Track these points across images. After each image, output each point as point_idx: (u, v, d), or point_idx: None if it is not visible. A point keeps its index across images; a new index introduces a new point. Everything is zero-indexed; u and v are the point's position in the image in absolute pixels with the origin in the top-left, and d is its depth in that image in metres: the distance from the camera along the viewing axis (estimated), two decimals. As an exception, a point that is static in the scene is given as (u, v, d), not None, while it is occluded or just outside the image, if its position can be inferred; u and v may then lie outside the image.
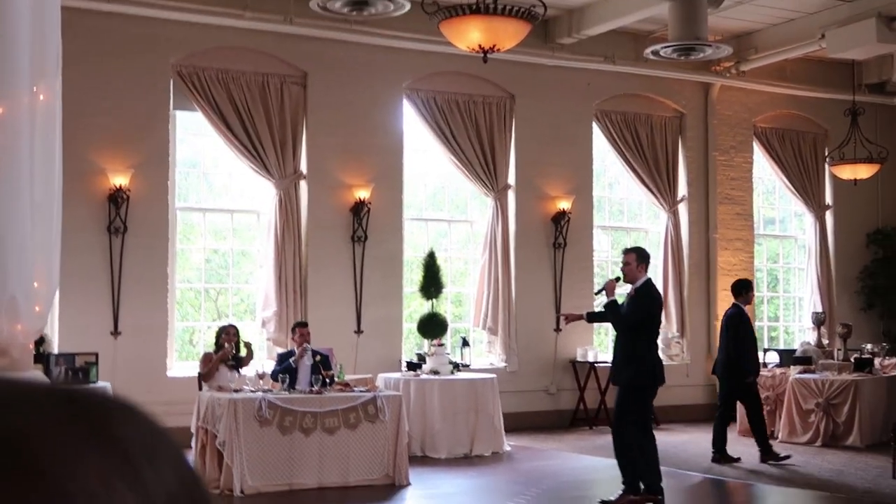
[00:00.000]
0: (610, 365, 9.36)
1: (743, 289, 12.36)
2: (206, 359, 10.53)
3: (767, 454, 11.77)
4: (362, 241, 13.95)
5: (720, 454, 11.73)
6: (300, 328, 11.07)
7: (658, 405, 15.26)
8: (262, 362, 12.08)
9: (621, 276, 9.19)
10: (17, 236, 5.75)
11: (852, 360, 13.75)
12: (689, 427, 15.09)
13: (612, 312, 9.10)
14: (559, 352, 15.16)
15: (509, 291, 14.85)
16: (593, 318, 10.22)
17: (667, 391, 15.65)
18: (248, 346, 10.96)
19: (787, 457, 11.74)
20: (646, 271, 9.09)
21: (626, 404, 9.04)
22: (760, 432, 11.94)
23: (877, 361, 14.17)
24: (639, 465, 9.00)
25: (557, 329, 15.01)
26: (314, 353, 10.92)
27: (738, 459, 11.66)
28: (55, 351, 11.37)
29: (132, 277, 12.63)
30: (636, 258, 9.08)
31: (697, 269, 16.60)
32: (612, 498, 9.16)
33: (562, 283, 15.20)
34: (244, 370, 10.57)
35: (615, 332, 9.31)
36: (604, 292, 9.23)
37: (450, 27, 9.77)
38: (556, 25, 14.92)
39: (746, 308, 12.33)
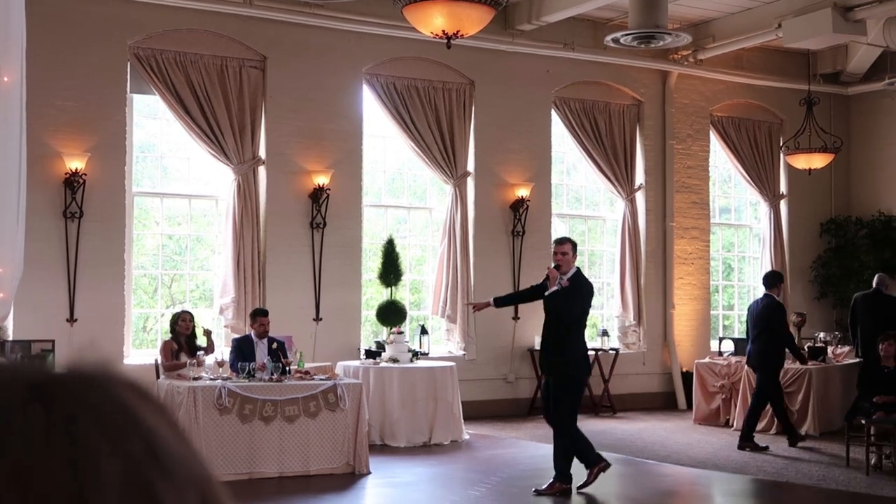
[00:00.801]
0: (543, 356, 9.30)
1: (777, 280, 12.67)
2: (167, 348, 10.43)
3: (794, 438, 12.22)
4: (321, 228, 13.92)
5: (748, 442, 11.89)
6: (260, 317, 11.01)
7: (615, 393, 15.57)
8: (221, 349, 12.04)
9: (557, 265, 9.22)
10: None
11: (806, 348, 13.95)
12: (646, 415, 15.25)
13: (554, 302, 9.11)
14: (517, 340, 15.24)
15: (468, 279, 14.89)
16: (501, 303, 10.29)
17: (623, 380, 15.95)
18: (207, 333, 10.91)
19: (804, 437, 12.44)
20: (573, 262, 9.25)
21: (575, 399, 9.26)
22: (786, 419, 12.45)
23: (830, 350, 14.38)
24: (563, 453, 9.20)
25: (515, 317, 15.07)
26: (271, 339, 10.90)
27: (766, 448, 11.91)
28: (10, 338, 11.25)
29: (88, 263, 12.53)
30: (572, 248, 9.25)
31: (654, 257, 16.73)
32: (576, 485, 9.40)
33: (520, 271, 15.27)
34: (206, 358, 10.50)
35: (550, 323, 9.20)
36: (548, 282, 9.25)
37: (413, 12, 9.76)
38: (516, 11, 14.96)
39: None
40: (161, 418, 0.72)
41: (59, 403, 0.68)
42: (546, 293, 9.21)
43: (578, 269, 9.30)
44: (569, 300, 9.06)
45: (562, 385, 9.17)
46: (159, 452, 0.69)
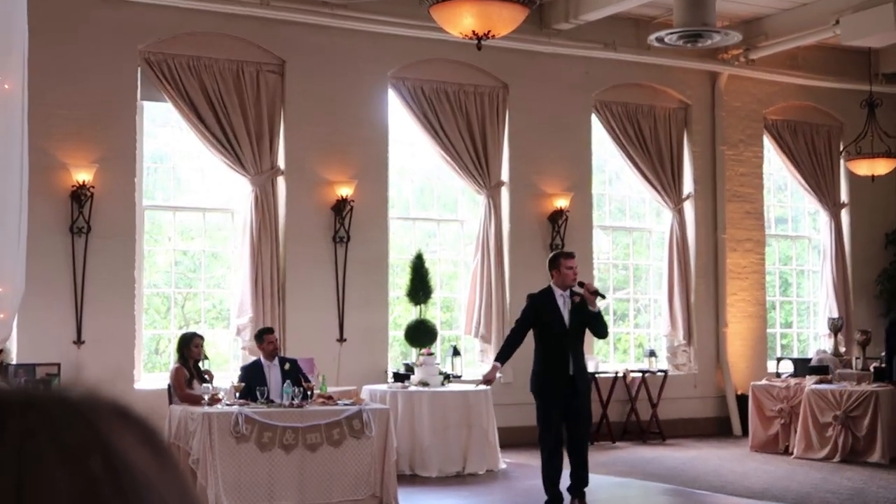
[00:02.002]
0: (560, 379, 9.38)
1: None
2: (179, 376, 10.37)
3: None
4: (344, 242, 13.92)
5: None
6: (266, 335, 10.98)
7: (663, 419, 15.46)
8: (238, 373, 12.01)
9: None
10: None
11: (872, 369, 13.78)
12: (697, 442, 15.12)
13: (598, 321, 9.56)
14: (557, 361, 15.15)
15: (503, 296, 14.84)
16: (503, 357, 10.10)
17: (673, 404, 15.83)
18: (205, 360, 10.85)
19: None
20: None
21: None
22: None
23: (898, 371, 14.19)
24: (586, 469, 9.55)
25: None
26: (282, 360, 10.86)
27: None
28: (14, 361, 11.29)
29: (97, 281, 12.57)
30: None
31: (705, 271, 16.62)
32: None
33: (559, 288, 15.19)
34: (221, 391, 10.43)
35: (574, 341, 9.43)
36: (572, 297, 9.49)
37: (441, 12, 9.74)
38: (552, 10, 14.93)
39: None
40: (142, 443, 0.77)
41: (22, 419, 0.74)
42: (570, 309, 9.37)
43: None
44: (600, 316, 9.63)
45: (586, 402, 9.62)
46: (122, 474, 0.74)
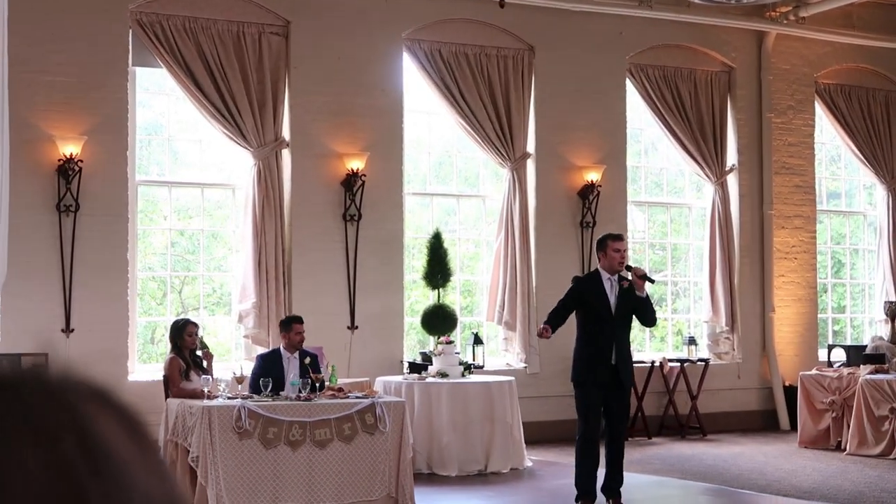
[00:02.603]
0: (603, 368, 9.49)
1: None
2: (175, 367, 10.37)
3: None
4: (355, 221, 13.92)
5: None
6: (296, 324, 10.94)
7: (704, 412, 15.45)
8: (241, 363, 12.06)
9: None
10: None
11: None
12: (741, 437, 15.11)
13: (646, 308, 9.67)
14: (587, 349, 15.15)
15: (529, 279, 14.82)
16: (552, 323, 9.88)
17: (714, 396, 15.82)
18: (205, 352, 10.84)
19: None
20: None
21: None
22: None
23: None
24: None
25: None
26: (302, 353, 10.87)
27: None
28: (-3, 351, 11.35)
29: (86, 264, 12.61)
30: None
31: (749, 250, 16.57)
32: None
33: (590, 269, 15.16)
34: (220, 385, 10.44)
35: (617, 332, 9.54)
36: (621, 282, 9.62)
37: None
38: (582, -36, 14.88)
39: None
40: (120, 427, 0.81)
41: None
42: (643, 295, 9.53)
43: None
44: (649, 300, 9.69)
45: (626, 395, 9.79)
46: (98, 456, 0.77)
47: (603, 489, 9.67)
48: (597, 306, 9.51)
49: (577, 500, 9.66)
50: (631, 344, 9.78)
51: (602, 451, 9.70)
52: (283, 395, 10.01)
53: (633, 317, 9.71)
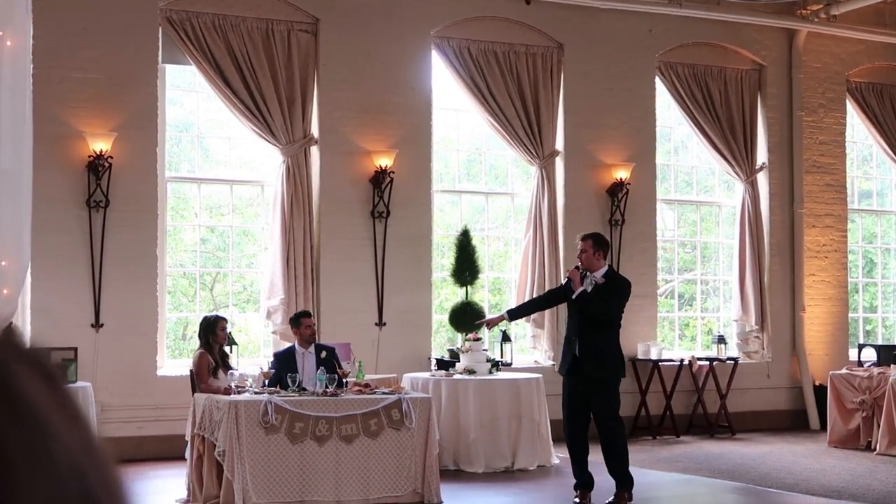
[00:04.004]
0: (570, 359, 9.87)
1: None
2: (203, 363, 10.38)
3: None
4: (384, 218, 13.92)
5: None
6: (304, 319, 10.98)
7: (733, 411, 15.37)
8: (269, 359, 12.07)
9: (579, 264, 9.91)
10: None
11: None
12: (770, 437, 15.02)
13: (585, 303, 9.70)
14: (616, 348, 15.10)
15: (557, 276, 14.77)
16: (516, 314, 11.10)
17: (743, 395, 15.74)
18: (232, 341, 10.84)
19: None
20: (604, 259, 9.94)
21: (614, 400, 9.87)
22: None
23: None
24: (619, 461, 9.84)
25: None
26: (319, 347, 10.88)
27: None
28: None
29: (116, 260, 12.66)
30: (593, 245, 9.86)
31: (779, 249, 16.48)
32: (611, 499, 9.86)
33: (618, 267, 15.10)
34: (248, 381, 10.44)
35: (581, 326, 9.73)
36: (572, 284, 9.87)
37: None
38: (612, -38, 14.84)
39: None
40: (46, 387, 0.84)
41: None
42: (573, 296, 9.78)
43: (611, 266, 10.04)
44: (604, 298, 9.68)
45: (601, 389, 9.74)
46: (20, 408, 0.81)
47: (608, 471, 9.94)
48: (569, 301, 9.90)
49: (574, 489, 9.98)
50: (607, 341, 9.76)
51: None
52: (310, 390, 10.01)
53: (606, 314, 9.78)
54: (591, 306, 9.63)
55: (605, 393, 9.76)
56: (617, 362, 9.87)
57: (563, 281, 14.58)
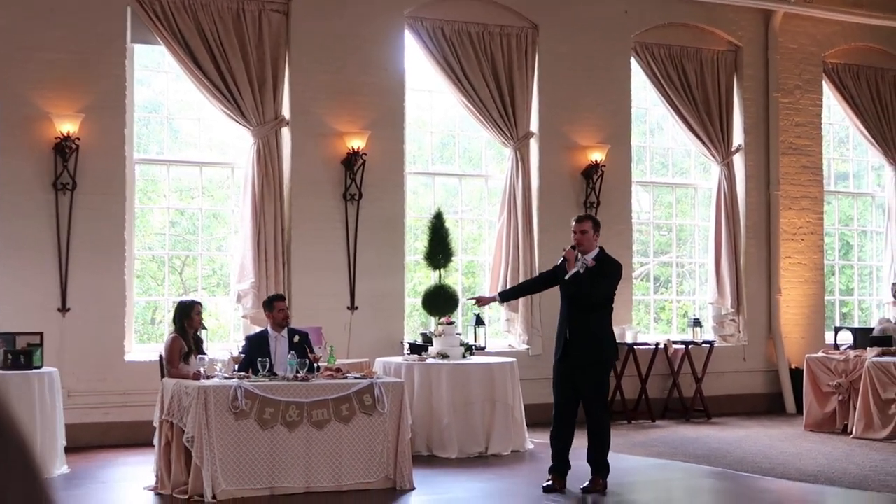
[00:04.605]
0: (562, 343, 9.80)
1: None
2: (175, 347, 10.29)
3: None
4: (356, 200, 13.85)
5: None
6: (277, 302, 10.93)
7: (709, 395, 15.39)
8: (239, 343, 12.00)
9: (574, 246, 9.84)
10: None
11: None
12: (746, 421, 15.06)
13: (577, 285, 9.65)
14: (591, 331, 15.10)
15: (532, 259, 14.75)
16: (507, 296, 11.51)
17: (719, 378, 15.76)
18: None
19: None
20: (597, 241, 9.97)
21: (604, 385, 9.90)
22: None
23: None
24: (601, 448, 9.86)
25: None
26: (292, 332, 10.82)
27: None
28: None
29: (83, 243, 12.55)
30: (593, 226, 9.94)
31: (755, 231, 16.49)
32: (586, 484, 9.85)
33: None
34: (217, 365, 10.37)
35: (572, 309, 9.73)
36: (566, 264, 9.79)
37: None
38: (587, -59, 14.78)
39: None
40: None
41: None
42: (566, 276, 9.70)
43: (602, 248, 9.91)
44: (595, 280, 9.62)
45: (592, 373, 9.71)
46: None
47: (587, 458, 9.89)
48: (561, 284, 9.83)
49: (549, 472, 9.95)
50: (600, 324, 9.75)
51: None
52: (280, 375, 9.94)
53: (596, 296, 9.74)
54: (583, 288, 9.58)
55: (596, 377, 9.75)
56: (610, 345, 9.89)
57: (538, 266, 14.59)
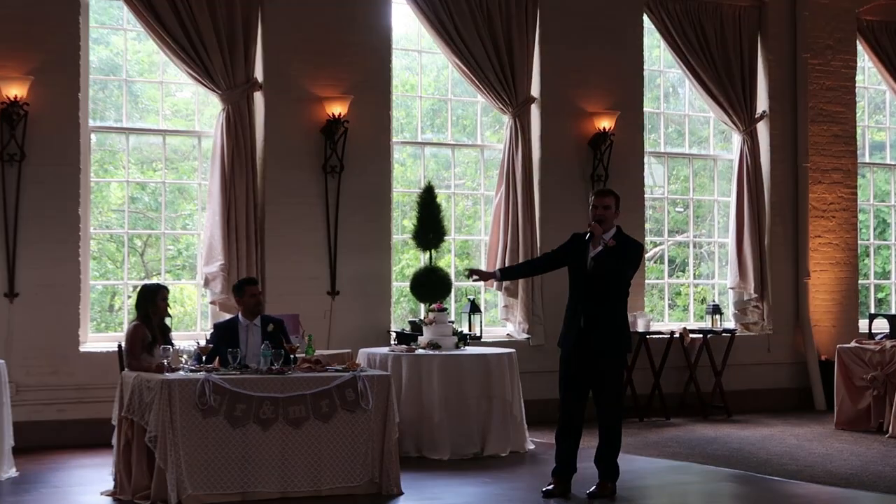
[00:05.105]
0: (574, 333, 9.73)
1: None
2: (136, 336, 10.27)
3: None
4: (337, 173, 13.84)
5: None
6: (249, 287, 10.91)
7: (729, 389, 15.43)
8: (207, 333, 12.00)
9: (599, 221, 9.72)
10: None
11: None
12: (771, 418, 15.08)
13: (605, 265, 9.60)
14: (599, 319, 15.11)
15: (533, 239, 14.75)
16: (508, 274, 11.61)
17: (741, 371, 15.79)
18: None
19: None
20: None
21: (621, 378, 9.90)
22: None
23: None
24: (611, 450, 9.85)
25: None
26: (265, 319, 10.81)
27: None
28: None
29: (33, 221, 12.53)
30: (617, 202, 9.86)
31: (782, 208, 16.49)
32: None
33: (602, 229, 15.11)
34: (180, 344, 10.39)
35: (591, 293, 9.66)
36: (591, 241, 9.69)
37: None
38: None
39: None
40: None
41: None
42: (591, 254, 9.64)
43: (619, 227, 9.84)
44: (620, 262, 9.58)
45: (610, 367, 9.71)
46: None
47: (594, 460, 9.89)
48: (576, 264, 9.75)
49: (552, 474, 9.91)
50: (618, 311, 9.76)
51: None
52: (253, 367, 9.94)
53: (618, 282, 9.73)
54: (607, 266, 9.53)
55: (613, 371, 9.72)
56: (626, 336, 9.89)
57: (540, 246, 14.59)
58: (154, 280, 13.41)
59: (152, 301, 10.33)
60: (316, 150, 13.82)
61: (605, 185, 14.97)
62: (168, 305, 10.54)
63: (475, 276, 10.51)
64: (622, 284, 9.74)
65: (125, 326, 10.91)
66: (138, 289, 10.69)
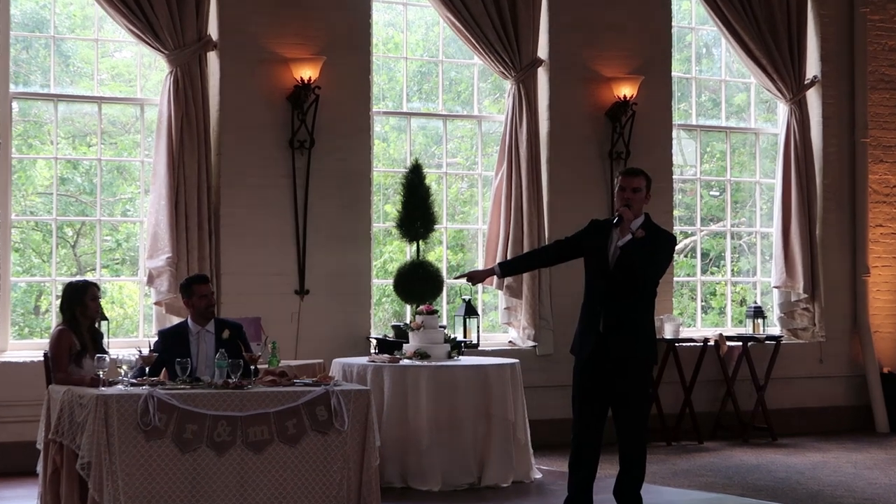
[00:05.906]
0: (592, 338, 9.63)
1: None
2: (63, 344, 10.25)
3: None
4: (307, 149, 13.83)
5: None
6: (197, 286, 10.88)
7: (773, 408, 15.45)
8: (151, 339, 11.98)
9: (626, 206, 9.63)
10: None
11: None
12: (824, 442, 15.08)
13: (636, 256, 9.51)
14: (618, 323, 15.13)
15: (539, 227, 14.75)
16: (509, 269, 11.20)
17: (788, 386, 15.81)
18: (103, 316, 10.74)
19: None
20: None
21: (648, 395, 9.94)
22: None
23: None
24: (635, 481, 9.79)
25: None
26: (220, 324, 10.79)
27: None
28: None
29: (-58, 205, 12.54)
30: (648, 184, 9.77)
31: (836, 192, 16.51)
32: None
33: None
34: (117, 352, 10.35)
35: (614, 290, 9.57)
36: (619, 228, 9.59)
37: None
38: None
39: None
40: None
41: None
42: (619, 243, 9.51)
43: (648, 215, 9.74)
44: (652, 256, 9.51)
45: (634, 380, 9.60)
46: None
47: (613, 491, 9.81)
48: (595, 256, 9.65)
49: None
50: (644, 313, 9.66)
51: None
52: (205, 381, 9.91)
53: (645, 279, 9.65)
54: (635, 261, 9.43)
55: (637, 385, 9.63)
56: (653, 342, 9.80)
57: (548, 235, 14.57)
58: (88, 277, 13.37)
59: (80, 301, 10.26)
60: (281, 121, 13.82)
61: (627, 164, 14.97)
62: (100, 306, 10.49)
63: (469, 280, 10.48)
64: (650, 283, 9.63)
65: (54, 330, 10.86)
66: (64, 287, 10.65)
